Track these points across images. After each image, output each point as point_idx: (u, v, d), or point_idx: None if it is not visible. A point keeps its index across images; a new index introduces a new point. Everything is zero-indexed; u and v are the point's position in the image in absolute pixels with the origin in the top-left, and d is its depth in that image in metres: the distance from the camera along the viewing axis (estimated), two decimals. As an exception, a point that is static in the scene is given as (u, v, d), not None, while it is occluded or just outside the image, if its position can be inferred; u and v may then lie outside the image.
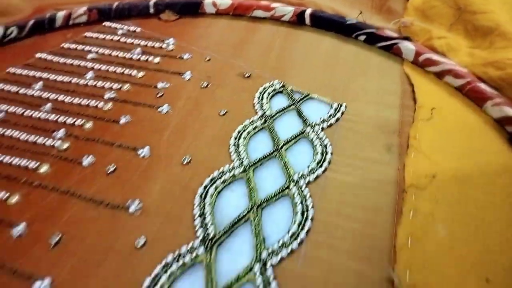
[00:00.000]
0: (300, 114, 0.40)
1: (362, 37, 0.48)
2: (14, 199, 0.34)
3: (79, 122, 0.40)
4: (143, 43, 0.51)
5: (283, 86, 0.43)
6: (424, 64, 0.44)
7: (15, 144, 0.38)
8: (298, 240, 0.29)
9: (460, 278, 0.27)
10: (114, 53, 0.49)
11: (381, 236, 0.30)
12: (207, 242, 0.30)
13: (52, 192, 0.34)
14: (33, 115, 0.42)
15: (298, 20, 0.51)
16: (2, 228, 0.32)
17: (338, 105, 0.40)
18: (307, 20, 0.51)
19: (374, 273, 0.27)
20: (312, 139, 0.37)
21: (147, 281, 0.28)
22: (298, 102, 0.41)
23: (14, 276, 0.29)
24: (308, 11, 0.51)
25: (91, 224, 0.31)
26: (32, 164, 0.36)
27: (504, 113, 0.37)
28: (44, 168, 0.36)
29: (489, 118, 0.38)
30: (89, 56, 0.49)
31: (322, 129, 0.38)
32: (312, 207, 0.32)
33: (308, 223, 0.30)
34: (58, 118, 0.41)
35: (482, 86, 0.39)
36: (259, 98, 0.41)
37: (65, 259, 0.29)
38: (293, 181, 0.33)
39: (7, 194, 0.34)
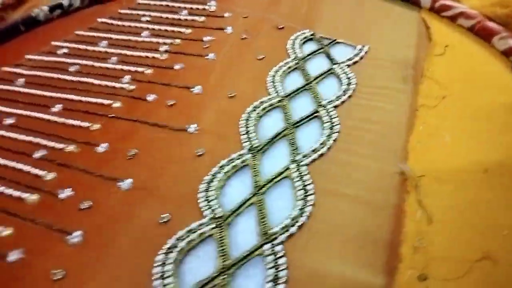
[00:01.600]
0: (328, 55, 0.46)
1: (383, -11, 0.53)
2: (97, 126, 0.42)
3: (141, 69, 0.48)
4: (188, 6, 0.58)
5: (313, 34, 0.49)
6: (439, 9, 0.49)
7: (91, 88, 0.47)
8: (327, 145, 0.36)
9: (463, 169, 0.33)
10: (164, 15, 0.57)
11: (396, 142, 0.36)
12: (253, 150, 0.37)
13: (125, 121, 0.42)
14: (102, 66, 0.50)
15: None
16: (89, 147, 0.40)
17: (362, 47, 0.46)
18: (334, -22, 0.57)
19: (390, 168, 0.34)
20: (339, 74, 0.43)
21: (207, 178, 0.35)
22: (327, 45, 0.47)
23: (102, 179, 0.37)
24: (334, -30, 0.56)
25: (158, 142, 0.39)
26: (107, 102, 0.44)
27: (509, 45, 0.42)
28: (117, 104, 0.44)
29: (495, 51, 0.43)
30: (143, 18, 0.57)
31: (348, 66, 0.44)
32: (339, 123, 0.38)
33: (335, 135, 0.37)
34: (123, 67, 0.49)
35: (490, 24, 0.44)
36: (292, 44, 0.48)
37: (140, 167, 0.37)
38: (322, 106, 0.40)
39: (91, 124, 0.42)
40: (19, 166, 0.39)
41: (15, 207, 0.36)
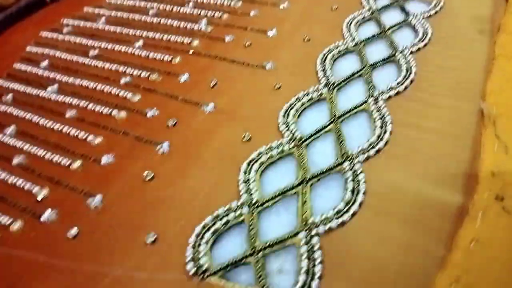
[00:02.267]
0: (403, 8, 0.47)
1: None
2: (177, 60, 0.44)
3: (217, 14, 0.50)
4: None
5: (386, -11, 0.50)
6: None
7: (169, 29, 0.49)
8: (404, 85, 0.37)
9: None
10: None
11: (473, 85, 0.36)
12: (329, 86, 0.38)
13: (204, 57, 0.44)
14: (180, 10, 0.52)
15: None
16: (171, 77, 0.42)
17: (437, 1, 0.47)
18: None
19: (468, 106, 0.35)
20: (414, 24, 0.44)
21: (285, 106, 0.37)
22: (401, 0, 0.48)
23: (186, 103, 0.39)
24: None
25: (237, 75, 0.41)
26: (186, 40, 0.47)
27: None
28: (195, 42, 0.46)
29: None
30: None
31: (424, 18, 0.45)
32: (415, 66, 0.39)
33: (412, 75, 0.38)
34: (201, 12, 0.51)
35: None
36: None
37: (221, 95, 0.39)
38: (399, 51, 0.41)
39: (171, 57, 0.45)
40: (106, 88, 0.42)
41: (105, 121, 0.38)
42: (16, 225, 0.31)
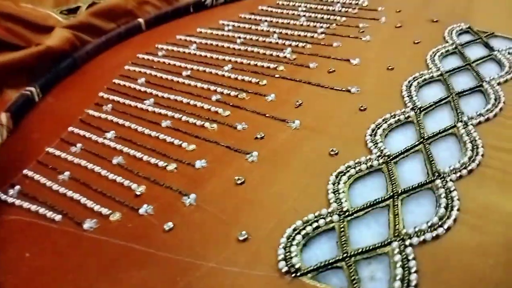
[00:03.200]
0: (486, 44, 0.47)
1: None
2: (264, 82, 0.47)
3: (301, 44, 0.53)
4: (341, 0, 0.63)
5: (469, 26, 0.51)
6: None
7: (256, 55, 0.52)
8: (493, 112, 0.37)
9: None
10: (319, 6, 0.62)
11: None
12: (416, 110, 0.39)
13: (289, 81, 0.47)
14: (266, 40, 0.55)
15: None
16: (259, 96, 0.45)
17: (523, 39, 0.47)
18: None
19: None
20: (500, 58, 0.44)
21: (373, 125, 0.38)
22: (484, 37, 0.48)
23: (273, 119, 0.41)
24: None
25: (322, 97, 0.43)
26: (272, 65, 0.49)
27: None
28: (281, 68, 0.49)
29: None
30: (300, 8, 0.63)
31: (509, 53, 0.45)
32: (503, 96, 0.39)
33: (501, 104, 0.38)
34: (285, 42, 0.54)
35: None
36: (448, 33, 0.50)
37: (307, 114, 0.41)
38: (485, 80, 0.41)
39: (259, 80, 0.47)
40: (199, 104, 0.45)
41: (198, 131, 0.41)
42: (115, 216, 0.34)
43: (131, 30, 0.63)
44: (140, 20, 0.64)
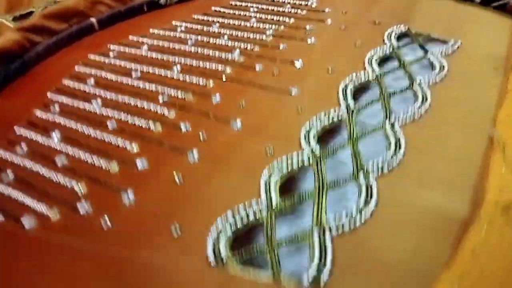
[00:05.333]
0: (422, 46, 0.50)
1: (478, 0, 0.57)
2: (211, 84, 0.48)
3: (249, 47, 0.55)
4: (291, 1, 0.65)
5: (408, 28, 0.53)
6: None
7: (205, 57, 0.54)
8: (419, 113, 0.40)
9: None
10: (270, 7, 0.64)
11: (485, 115, 0.39)
12: (349, 111, 0.41)
13: (235, 83, 0.48)
14: (216, 42, 0.57)
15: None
16: (203, 97, 0.46)
17: (455, 41, 0.50)
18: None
19: (478, 134, 0.37)
20: (432, 60, 0.47)
21: (306, 124, 0.40)
22: (421, 39, 0.51)
23: (216, 120, 0.43)
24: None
25: (264, 99, 0.45)
26: (220, 68, 0.51)
27: None
28: (228, 70, 0.51)
29: None
30: (251, 9, 0.64)
31: (441, 55, 0.48)
32: (431, 97, 0.42)
33: (427, 105, 0.41)
34: (234, 44, 0.56)
35: None
36: (388, 36, 0.53)
37: (248, 114, 0.43)
38: (415, 82, 0.44)
39: (205, 82, 0.49)
40: (146, 105, 0.46)
41: (142, 132, 0.42)
42: (54, 214, 0.34)
43: (83, 30, 0.63)
44: (93, 19, 0.64)
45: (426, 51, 0.49)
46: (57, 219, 0.34)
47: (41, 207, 0.35)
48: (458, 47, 0.49)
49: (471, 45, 0.49)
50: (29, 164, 0.40)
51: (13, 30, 0.58)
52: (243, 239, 0.31)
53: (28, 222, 0.34)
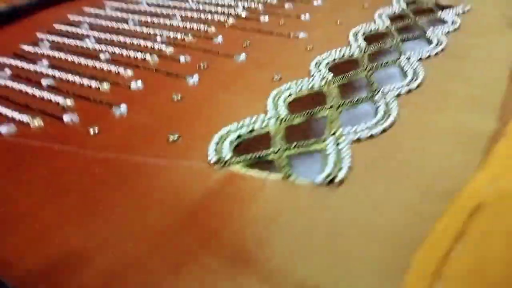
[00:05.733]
0: (432, 10, 0.49)
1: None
2: (212, 29, 0.46)
3: (253, 5, 0.53)
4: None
5: (417, -4, 0.52)
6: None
7: (206, 11, 0.52)
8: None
9: None
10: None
11: (498, 71, 0.36)
12: (361, 49, 0.39)
13: (239, 30, 0.46)
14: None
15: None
16: (204, 38, 0.44)
17: (465, 5, 0.48)
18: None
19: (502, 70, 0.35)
20: (443, 18, 0.45)
21: (317, 57, 0.37)
22: (430, 3, 0.50)
23: (219, 55, 0.40)
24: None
25: (270, 40, 0.43)
26: (222, 18, 0.49)
27: None
28: (230, 21, 0.48)
29: None
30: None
31: (454, 14, 0.46)
32: (446, 44, 0.40)
33: (443, 46, 0.38)
34: (237, 2, 0.54)
35: None
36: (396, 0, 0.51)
37: (254, 51, 0.40)
38: (428, 30, 0.42)
39: (207, 28, 0.46)
40: (142, 43, 0.43)
41: (138, 62, 0.39)
42: (36, 122, 0.31)
43: None
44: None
45: (437, 12, 0.47)
46: (38, 127, 0.30)
47: (21, 117, 0.31)
48: (468, 10, 0.47)
49: (482, 7, 0.48)
50: (11, 84, 0.36)
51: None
52: (249, 146, 0.27)
53: (5, 128, 0.30)
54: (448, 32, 0.42)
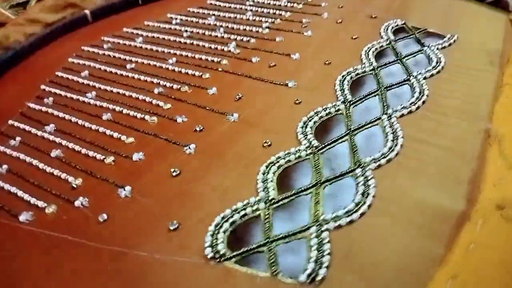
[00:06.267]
0: (418, 40, 0.50)
1: (475, -6, 0.57)
2: (207, 76, 0.48)
3: (245, 39, 0.54)
4: (288, -5, 0.64)
5: (404, 23, 0.53)
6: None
7: (201, 49, 0.53)
8: (416, 105, 0.40)
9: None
10: (266, 1, 0.64)
11: (481, 108, 0.39)
12: (346, 103, 0.41)
13: (231, 74, 0.48)
14: (212, 34, 0.57)
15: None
16: (200, 90, 0.46)
17: (451, 35, 0.50)
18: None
19: (475, 126, 0.37)
20: (429, 54, 0.47)
21: (304, 118, 0.40)
22: (417, 32, 0.51)
23: (213, 112, 0.42)
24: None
25: (261, 91, 0.45)
26: (216, 59, 0.51)
27: None
28: (224, 62, 0.50)
29: None
30: (247, 3, 0.64)
31: (438, 49, 0.48)
32: (428, 90, 0.42)
33: (424, 97, 0.41)
34: (230, 36, 0.55)
35: None
36: (384, 29, 0.52)
37: (245, 107, 0.43)
38: (412, 75, 0.44)
39: (202, 73, 0.48)
40: (141, 97, 0.46)
41: (138, 124, 0.42)
42: (51, 209, 0.34)
43: (77, 22, 0.62)
44: (86, 11, 0.64)
45: (422, 45, 0.49)
46: (52, 213, 0.34)
47: (36, 201, 0.35)
48: (454, 41, 0.49)
49: (467, 39, 0.49)
50: (23, 157, 0.40)
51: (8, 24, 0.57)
52: (241, 234, 0.31)
53: (24, 216, 0.34)
54: (432, 75, 0.44)
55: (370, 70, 0.46)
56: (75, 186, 0.36)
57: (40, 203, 0.35)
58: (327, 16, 0.57)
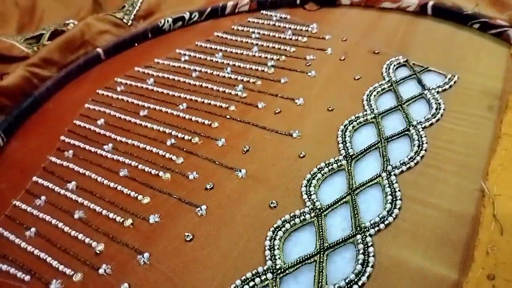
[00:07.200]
0: (419, 81, 0.52)
1: (476, 25, 0.58)
2: (216, 124, 0.50)
3: (252, 80, 0.56)
4: (293, 26, 0.66)
5: (406, 60, 0.55)
6: (530, 47, 0.52)
7: (210, 92, 0.56)
8: (415, 161, 0.42)
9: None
10: (271, 33, 0.65)
11: (478, 163, 0.41)
12: (348, 158, 0.43)
13: (239, 122, 0.50)
14: (219, 74, 0.59)
15: (421, 10, 0.63)
16: (210, 141, 0.48)
17: (452, 76, 0.51)
18: (429, 11, 0.62)
19: (471, 185, 0.39)
20: (429, 99, 0.49)
21: (308, 176, 0.42)
22: (419, 72, 0.53)
23: (222, 167, 0.45)
24: (431, 3, 0.62)
25: (267, 142, 0.47)
26: (224, 105, 0.53)
27: None
28: (232, 108, 0.53)
29: None
30: (253, 35, 0.66)
31: (437, 92, 0.49)
32: (426, 142, 0.44)
33: (423, 152, 0.43)
34: (237, 77, 0.57)
35: None
36: (386, 68, 0.54)
37: (253, 161, 0.45)
38: (413, 125, 0.46)
39: (211, 122, 0.51)
40: (154, 150, 0.49)
41: (153, 181, 0.45)
42: (78, 277, 0.38)
43: (91, 61, 0.65)
44: (99, 50, 0.66)
45: (423, 87, 0.50)
46: (79, 282, 0.37)
47: (64, 269, 0.38)
48: (454, 82, 0.50)
49: (468, 79, 0.50)
50: (49, 219, 0.43)
51: (21, 66, 0.60)
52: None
53: (54, 286, 0.37)
54: (431, 124, 0.46)
55: (372, 118, 0.47)
56: (98, 252, 0.39)
57: (68, 271, 0.38)
58: (330, 52, 0.59)
